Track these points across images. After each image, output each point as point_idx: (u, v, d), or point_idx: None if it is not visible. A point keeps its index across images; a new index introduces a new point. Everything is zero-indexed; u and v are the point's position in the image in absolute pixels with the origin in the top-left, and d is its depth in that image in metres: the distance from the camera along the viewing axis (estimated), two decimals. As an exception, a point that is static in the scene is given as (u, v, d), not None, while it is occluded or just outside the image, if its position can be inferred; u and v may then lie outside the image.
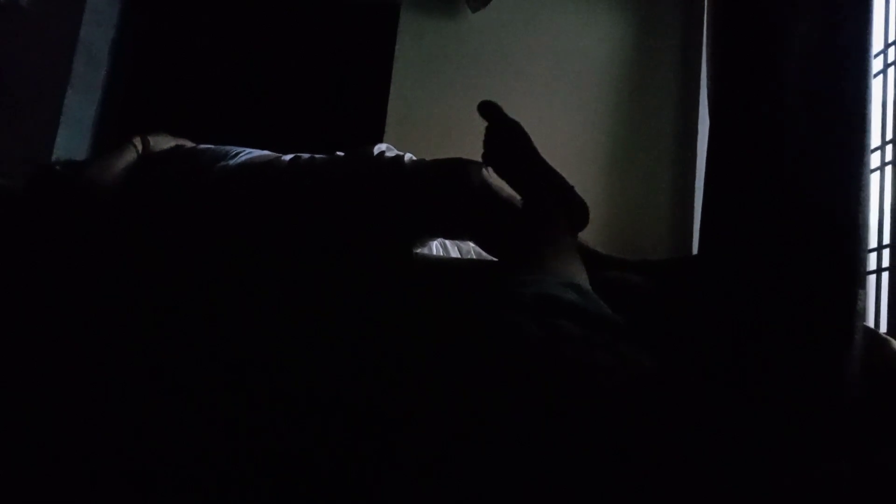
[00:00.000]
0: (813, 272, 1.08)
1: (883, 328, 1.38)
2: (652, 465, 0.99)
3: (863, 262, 1.02)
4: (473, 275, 1.19)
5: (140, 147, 1.45)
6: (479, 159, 1.22)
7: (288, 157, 1.35)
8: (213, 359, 1.15)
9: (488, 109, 1.17)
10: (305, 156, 1.34)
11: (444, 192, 1.18)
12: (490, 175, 1.21)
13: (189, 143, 1.53)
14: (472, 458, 1.04)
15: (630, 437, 1.00)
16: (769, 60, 1.23)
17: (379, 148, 1.30)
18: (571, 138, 2.20)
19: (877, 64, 1.53)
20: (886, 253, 1.43)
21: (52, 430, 1.14)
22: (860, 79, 1.06)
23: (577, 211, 1.16)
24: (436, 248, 1.35)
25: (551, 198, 1.14)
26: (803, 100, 1.14)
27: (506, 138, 1.17)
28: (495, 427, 1.04)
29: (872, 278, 1.44)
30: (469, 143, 2.16)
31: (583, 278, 1.08)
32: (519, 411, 1.03)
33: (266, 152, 1.42)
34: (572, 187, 1.16)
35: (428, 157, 1.28)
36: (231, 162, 1.34)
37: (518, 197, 1.19)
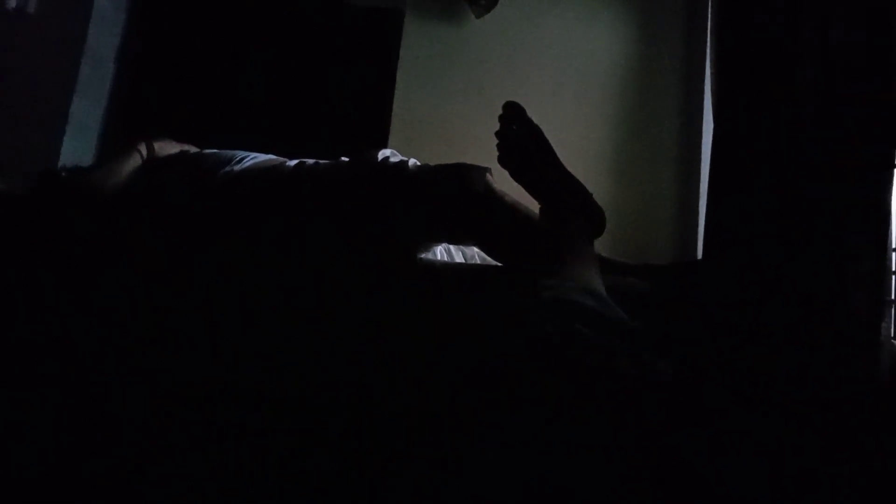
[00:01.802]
0: (816, 275, 1.08)
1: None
2: (661, 466, 1.00)
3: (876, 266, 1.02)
4: (479, 279, 1.19)
5: (145, 152, 1.46)
6: (485, 164, 1.22)
7: (292, 161, 1.35)
8: (215, 360, 1.15)
9: (512, 111, 1.17)
10: (310, 161, 1.35)
11: (447, 197, 1.18)
12: (494, 180, 1.21)
13: (194, 148, 1.54)
14: (483, 459, 1.04)
15: (642, 438, 1.01)
16: (776, 62, 1.23)
17: (383, 153, 1.31)
18: (575, 142, 2.20)
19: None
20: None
21: (54, 430, 1.14)
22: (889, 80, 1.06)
23: (594, 218, 1.16)
24: (440, 253, 1.35)
25: (570, 204, 1.14)
26: (819, 101, 1.14)
27: (526, 142, 1.16)
28: (509, 429, 1.05)
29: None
30: (473, 147, 2.17)
31: (599, 283, 1.09)
32: (535, 413, 1.04)
33: (271, 157, 1.42)
34: (591, 194, 1.16)
35: (432, 163, 1.28)
36: (235, 167, 1.35)
37: (523, 203, 1.19)
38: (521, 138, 1.16)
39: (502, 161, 1.18)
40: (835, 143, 1.12)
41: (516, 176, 1.17)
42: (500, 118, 1.17)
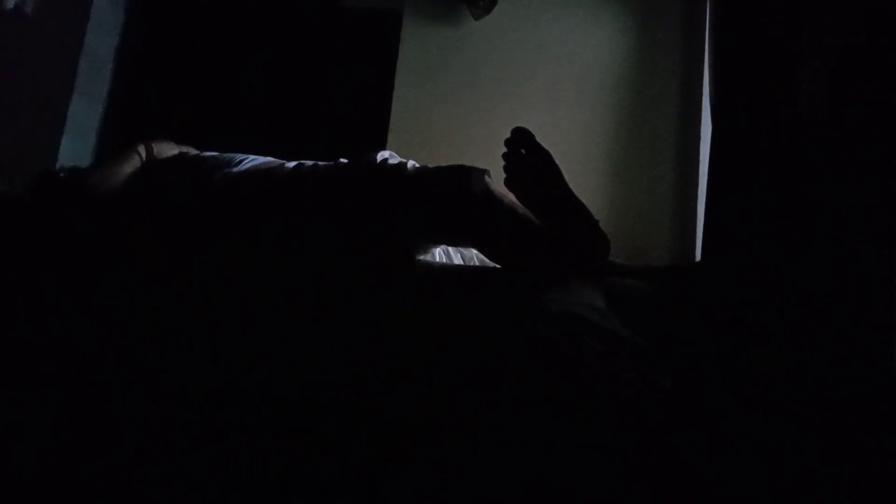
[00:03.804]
0: (816, 276, 1.08)
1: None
2: (664, 469, 1.00)
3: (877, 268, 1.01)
4: (477, 281, 1.19)
5: (144, 154, 1.46)
6: (484, 166, 1.22)
7: (291, 163, 1.35)
8: (216, 361, 1.15)
9: (521, 136, 1.17)
10: (308, 163, 1.35)
11: (446, 199, 1.19)
12: (493, 181, 1.21)
13: (193, 150, 1.54)
14: (483, 460, 1.05)
15: (645, 442, 1.01)
16: (775, 62, 1.23)
17: (382, 155, 1.31)
18: (573, 144, 2.20)
19: None
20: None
21: (55, 430, 1.14)
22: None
23: (599, 244, 1.17)
24: (439, 254, 1.35)
25: (576, 229, 1.15)
26: (819, 101, 1.14)
27: (534, 167, 1.17)
28: (508, 431, 1.05)
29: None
30: (472, 149, 2.17)
31: (602, 303, 1.10)
32: (536, 416, 1.04)
33: (269, 159, 1.42)
34: (597, 221, 1.17)
35: (430, 164, 1.28)
36: (234, 169, 1.35)
37: (522, 205, 1.19)
38: (529, 162, 1.17)
39: (509, 184, 1.18)
40: (835, 143, 1.12)
41: (523, 199, 1.18)
42: (507, 142, 1.18)
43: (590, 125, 2.25)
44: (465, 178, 1.19)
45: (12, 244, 1.28)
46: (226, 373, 1.14)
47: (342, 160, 1.34)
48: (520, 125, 1.19)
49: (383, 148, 1.69)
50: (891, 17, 1.07)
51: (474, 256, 1.43)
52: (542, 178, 1.17)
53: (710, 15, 1.57)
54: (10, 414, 1.16)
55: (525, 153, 1.17)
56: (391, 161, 1.28)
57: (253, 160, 1.39)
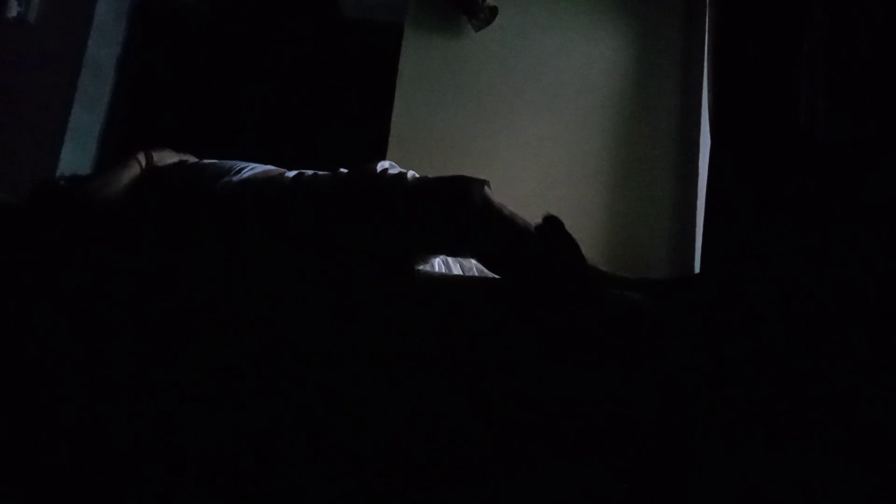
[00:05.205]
0: (816, 286, 1.08)
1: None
2: (664, 472, 1.00)
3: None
4: (477, 292, 1.19)
5: (144, 162, 1.46)
6: (484, 176, 1.23)
7: (291, 173, 1.35)
8: (217, 368, 1.15)
9: (551, 223, 1.19)
10: (309, 172, 1.35)
11: (446, 209, 1.19)
12: (492, 192, 1.22)
13: (193, 158, 1.54)
14: (489, 465, 1.05)
15: (647, 448, 1.02)
16: (771, 73, 1.23)
17: (382, 165, 1.31)
18: (573, 155, 2.20)
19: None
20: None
21: (55, 435, 1.14)
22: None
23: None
24: (438, 265, 1.35)
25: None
26: (823, 107, 1.14)
27: (560, 254, 1.18)
28: (519, 436, 1.06)
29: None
30: (471, 159, 2.18)
31: (601, 312, 1.11)
32: (544, 423, 1.05)
33: (269, 167, 1.42)
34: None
35: (430, 175, 1.29)
36: (234, 177, 1.35)
37: (521, 215, 1.19)
38: (554, 249, 1.18)
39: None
40: (835, 150, 1.12)
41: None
42: (544, 229, 1.18)
43: (589, 135, 2.25)
44: (464, 189, 1.19)
45: (12, 252, 1.28)
46: (226, 380, 1.14)
47: (342, 170, 1.34)
48: (552, 214, 1.18)
49: (384, 158, 1.70)
50: (891, 18, 1.07)
51: (473, 267, 1.43)
52: (565, 264, 1.17)
53: (709, 25, 1.57)
54: (13, 418, 1.16)
55: (553, 241, 1.18)
56: (391, 171, 1.29)
57: (253, 168, 1.39)
